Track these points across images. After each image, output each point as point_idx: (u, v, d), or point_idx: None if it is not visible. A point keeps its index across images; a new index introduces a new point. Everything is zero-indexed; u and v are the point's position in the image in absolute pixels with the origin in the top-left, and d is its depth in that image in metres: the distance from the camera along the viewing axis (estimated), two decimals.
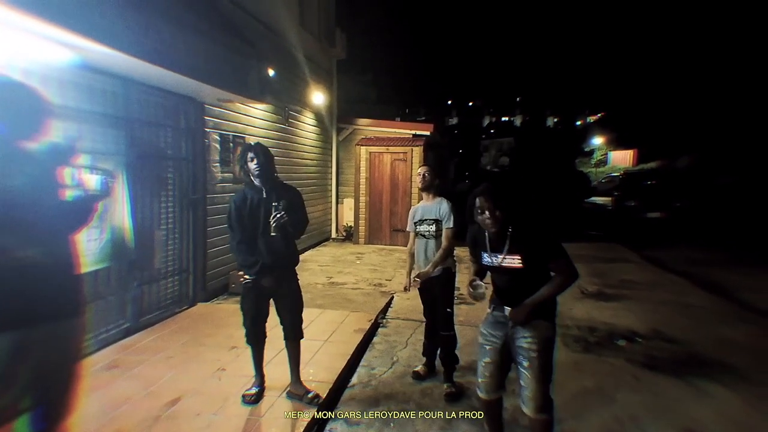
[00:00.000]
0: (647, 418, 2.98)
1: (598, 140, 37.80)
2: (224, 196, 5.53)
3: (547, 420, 2.22)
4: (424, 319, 3.57)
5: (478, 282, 2.37)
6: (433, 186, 3.32)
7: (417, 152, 9.37)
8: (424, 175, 3.31)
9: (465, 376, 3.43)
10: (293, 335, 2.98)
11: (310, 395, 2.96)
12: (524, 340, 2.21)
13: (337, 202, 10.38)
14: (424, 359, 3.57)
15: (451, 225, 3.21)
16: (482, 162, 40.66)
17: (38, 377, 1.60)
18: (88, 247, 3.47)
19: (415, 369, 3.52)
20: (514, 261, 2.19)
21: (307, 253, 8.51)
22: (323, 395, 3.04)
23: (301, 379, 3.05)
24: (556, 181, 19.92)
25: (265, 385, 3.06)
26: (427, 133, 10.49)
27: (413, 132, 10.38)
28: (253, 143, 2.91)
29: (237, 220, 2.79)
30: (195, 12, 4.40)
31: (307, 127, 8.68)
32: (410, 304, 5.14)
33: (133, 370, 3.35)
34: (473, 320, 4.60)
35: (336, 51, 10.13)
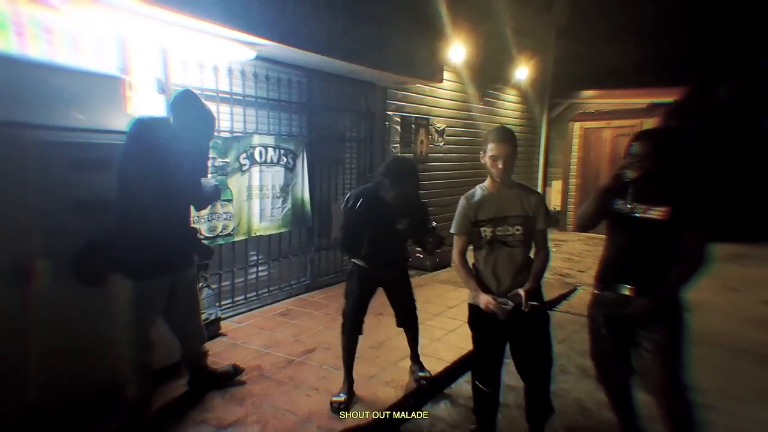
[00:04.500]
0: None
1: None
2: None
3: None
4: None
5: None
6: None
7: (650, 125, 7.70)
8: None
9: None
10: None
11: (421, 373, 2.89)
12: None
13: (545, 185, 9.52)
14: None
15: None
16: None
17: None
18: (273, 214, 4.19)
19: None
20: None
21: None
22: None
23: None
24: None
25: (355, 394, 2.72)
26: (671, 99, 8.42)
27: (651, 101, 8.51)
28: (404, 171, 2.58)
29: (356, 218, 2.67)
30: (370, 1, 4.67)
31: (508, 104, 8.21)
32: None
33: (297, 319, 3.91)
34: None
35: (552, 18, 9.12)
